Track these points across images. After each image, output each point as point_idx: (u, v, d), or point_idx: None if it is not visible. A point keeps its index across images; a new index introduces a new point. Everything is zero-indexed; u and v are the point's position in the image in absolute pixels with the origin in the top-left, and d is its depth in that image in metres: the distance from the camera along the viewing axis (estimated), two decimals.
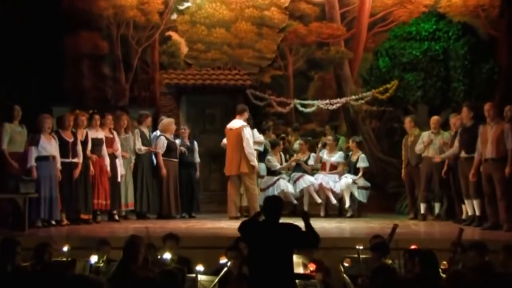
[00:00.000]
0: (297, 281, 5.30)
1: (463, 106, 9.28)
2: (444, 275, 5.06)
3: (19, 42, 11.62)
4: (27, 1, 11.71)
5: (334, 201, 10.64)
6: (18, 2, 11.66)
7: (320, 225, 8.73)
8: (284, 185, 10.57)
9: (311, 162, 10.86)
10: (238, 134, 9.77)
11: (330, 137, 11.14)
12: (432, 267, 4.96)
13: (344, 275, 5.72)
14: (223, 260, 5.57)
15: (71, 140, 9.04)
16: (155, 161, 10.28)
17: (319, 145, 11.07)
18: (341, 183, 10.57)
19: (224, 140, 10.29)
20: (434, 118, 10.06)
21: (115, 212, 9.73)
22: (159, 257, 5.78)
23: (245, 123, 9.89)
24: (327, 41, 13.15)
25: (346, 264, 5.85)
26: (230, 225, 8.68)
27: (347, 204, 10.50)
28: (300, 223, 5.39)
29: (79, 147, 9.09)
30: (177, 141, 10.49)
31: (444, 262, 5.52)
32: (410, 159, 10.15)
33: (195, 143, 10.82)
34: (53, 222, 8.76)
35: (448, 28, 11.74)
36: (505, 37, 12.02)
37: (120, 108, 11.94)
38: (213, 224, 9.26)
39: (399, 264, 5.69)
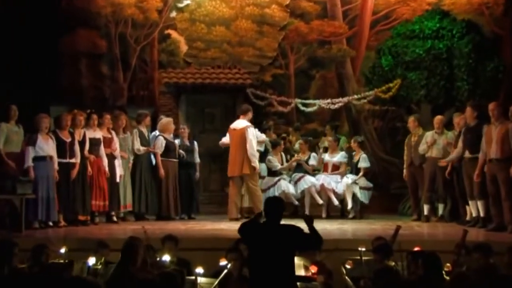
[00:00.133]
0: (298, 283, 5.30)
1: (467, 106, 9.28)
2: (447, 278, 5.06)
3: (16, 41, 11.62)
4: (24, 0, 11.71)
5: (336, 202, 10.63)
6: (15, 0, 11.66)
7: (322, 226, 8.72)
8: (285, 186, 10.56)
9: (311, 162, 10.85)
10: (242, 135, 9.76)
11: (330, 138, 11.14)
12: (435, 269, 4.96)
13: (346, 277, 5.71)
14: (223, 262, 5.57)
15: (68, 140, 9.04)
16: (154, 161, 10.28)
17: (320, 150, 11.06)
18: (342, 184, 10.57)
19: (223, 139, 10.28)
20: (438, 118, 10.05)
21: (113, 213, 9.73)
22: (158, 259, 5.78)
23: (249, 124, 9.89)
24: (329, 39, 13.15)
25: (348, 266, 5.85)
26: (230, 227, 8.67)
27: (349, 205, 10.49)
28: (301, 224, 5.39)
29: (77, 147, 9.09)
30: (177, 141, 10.49)
31: (448, 264, 5.53)
32: (414, 159, 10.14)
33: (195, 143, 10.82)
34: (51, 224, 8.76)
35: (452, 26, 11.74)
36: (509, 35, 12.01)
37: (118, 107, 11.94)
38: (213, 225, 9.25)
39: (402, 266, 5.69)
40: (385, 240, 6.23)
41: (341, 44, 13.17)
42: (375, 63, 12.31)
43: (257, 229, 5.41)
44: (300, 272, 5.67)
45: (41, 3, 11.92)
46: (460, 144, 9.16)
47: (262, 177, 10.58)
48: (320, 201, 10.62)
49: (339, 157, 10.83)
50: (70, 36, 12.71)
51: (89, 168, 9.30)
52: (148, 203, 10.13)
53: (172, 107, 12.92)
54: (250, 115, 10.03)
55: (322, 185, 10.61)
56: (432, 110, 11.41)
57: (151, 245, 6.07)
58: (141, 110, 10.82)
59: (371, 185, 10.76)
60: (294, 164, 10.81)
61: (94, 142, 9.41)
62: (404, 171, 10.42)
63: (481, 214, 8.80)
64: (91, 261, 5.59)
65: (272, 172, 10.66)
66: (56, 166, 8.79)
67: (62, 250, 6.01)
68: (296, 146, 11.33)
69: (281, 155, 10.88)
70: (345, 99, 12.52)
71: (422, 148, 9.97)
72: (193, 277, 5.15)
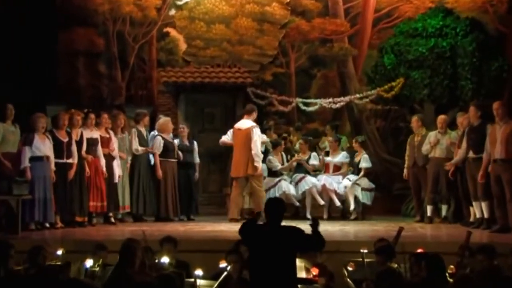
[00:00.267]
0: (299, 286, 5.30)
1: (470, 105, 9.28)
2: (451, 280, 5.06)
3: (12, 40, 11.63)
4: None
5: (337, 203, 10.62)
6: None
7: (323, 227, 8.65)
8: (286, 187, 10.56)
9: (312, 161, 10.85)
10: (247, 135, 9.76)
11: (330, 138, 11.14)
12: (439, 271, 4.96)
13: (348, 279, 5.72)
14: (222, 264, 5.58)
15: (65, 140, 9.03)
16: (152, 162, 10.28)
17: (322, 153, 11.05)
18: (343, 185, 10.57)
19: (223, 138, 10.28)
20: (441, 117, 10.05)
21: (111, 214, 9.73)
22: (156, 261, 5.78)
23: (254, 124, 9.89)
24: (330, 38, 13.15)
25: (350, 268, 5.85)
26: (230, 228, 8.67)
27: (352, 206, 10.49)
28: (302, 225, 5.39)
29: (74, 147, 9.09)
30: (176, 141, 10.49)
31: (452, 266, 5.53)
32: (417, 159, 10.13)
33: (195, 143, 10.81)
34: (47, 225, 8.75)
35: (456, 24, 11.73)
36: None
37: (117, 107, 11.95)
38: (212, 226, 9.26)
39: (404, 268, 5.69)
40: (388, 241, 6.23)
41: (343, 43, 13.17)
42: (377, 61, 12.30)
43: (257, 231, 5.41)
44: (301, 274, 5.67)
45: (38, 1, 11.91)
46: (464, 145, 9.16)
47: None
48: (322, 202, 10.62)
49: (341, 157, 10.83)
50: (67, 34, 12.72)
51: (87, 169, 9.30)
52: (146, 204, 10.13)
53: (171, 107, 12.93)
54: (255, 115, 10.04)
55: (323, 186, 10.61)
56: (436, 109, 11.40)
57: (149, 246, 6.06)
58: (139, 110, 10.81)
59: (373, 186, 10.77)
60: (295, 164, 10.81)
61: (92, 142, 9.41)
62: (405, 170, 10.42)
63: (485, 215, 8.79)
64: (89, 263, 5.59)
65: (272, 173, 10.66)
66: (53, 167, 8.79)
67: (59, 252, 6.01)
68: (297, 146, 11.33)
69: (282, 155, 10.87)
70: (347, 99, 12.51)
71: (425, 148, 9.96)
72: (192, 280, 5.15)
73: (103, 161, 9.50)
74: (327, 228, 8.94)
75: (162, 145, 10.18)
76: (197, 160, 10.76)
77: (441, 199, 10.01)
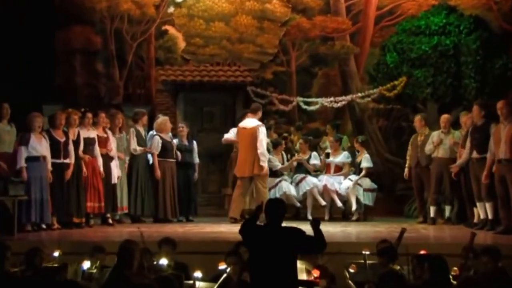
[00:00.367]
0: None
1: (474, 105, 9.27)
2: (455, 282, 5.06)
3: (8, 38, 11.62)
4: None
5: (339, 204, 10.62)
6: None
7: (325, 229, 8.65)
8: (286, 187, 10.56)
9: (312, 161, 10.85)
10: (252, 134, 9.76)
11: (331, 138, 11.15)
12: (442, 273, 4.96)
13: (350, 281, 5.71)
14: (222, 266, 5.57)
15: (62, 139, 9.03)
16: (151, 161, 10.28)
17: (323, 155, 11.05)
18: (344, 185, 10.57)
19: (226, 135, 10.28)
20: (444, 117, 10.05)
21: (108, 215, 9.74)
22: (155, 262, 5.78)
23: (260, 123, 9.90)
24: (332, 36, 13.15)
25: (351, 270, 5.84)
26: (229, 229, 8.67)
27: (354, 206, 10.49)
28: (303, 226, 5.39)
29: (71, 147, 9.09)
30: (175, 141, 10.49)
31: (455, 268, 5.52)
32: (420, 159, 10.13)
33: (194, 142, 10.80)
34: (44, 226, 8.76)
35: (459, 22, 11.73)
36: None
37: (114, 106, 11.95)
38: (211, 228, 9.26)
39: (407, 270, 5.69)
40: (390, 243, 6.23)
41: (345, 41, 13.17)
42: (379, 60, 12.30)
43: (258, 232, 5.41)
44: (302, 276, 5.66)
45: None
46: (468, 145, 9.15)
47: None
48: (323, 203, 10.62)
49: (342, 157, 10.83)
50: (64, 32, 12.72)
51: (84, 169, 9.30)
52: (144, 205, 10.13)
53: (170, 106, 12.93)
54: (260, 114, 10.05)
55: (324, 186, 10.61)
56: (439, 108, 11.40)
57: (147, 248, 6.06)
58: (138, 109, 10.80)
59: (375, 186, 10.77)
60: (295, 164, 10.80)
61: (89, 142, 9.40)
62: (406, 170, 10.41)
63: (489, 216, 8.79)
64: (86, 265, 5.59)
65: (272, 173, 10.64)
66: (49, 167, 8.79)
67: (56, 254, 6.01)
68: (298, 146, 11.33)
69: (282, 155, 10.87)
70: (349, 98, 12.51)
71: (428, 148, 9.96)
72: (191, 282, 5.15)
73: (100, 161, 9.50)
74: (329, 229, 8.94)
75: (160, 145, 10.17)
76: (196, 160, 10.75)
77: (445, 200, 10.01)
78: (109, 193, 9.69)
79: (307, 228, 5.42)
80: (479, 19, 11.89)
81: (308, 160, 10.85)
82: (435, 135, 9.95)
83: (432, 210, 9.99)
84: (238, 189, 9.89)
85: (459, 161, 9.36)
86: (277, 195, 10.17)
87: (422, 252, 5.99)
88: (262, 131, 9.78)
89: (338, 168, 10.83)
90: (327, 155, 10.98)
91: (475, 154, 8.99)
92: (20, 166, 8.51)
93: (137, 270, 5.26)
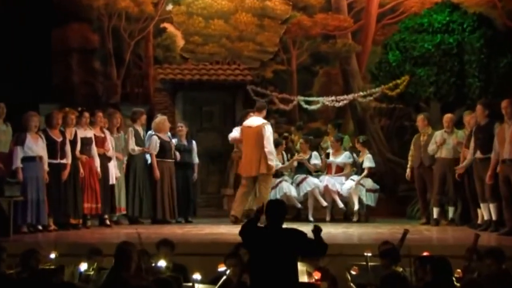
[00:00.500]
0: None
1: (477, 104, 9.27)
2: (458, 284, 5.06)
3: (4, 36, 11.61)
4: None
5: (341, 204, 10.63)
6: None
7: (326, 230, 8.68)
8: (287, 188, 10.56)
9: (313, 161, 10.85)
10: (258, 132, 9.76)
11: (332, 138, 11.15)
12: (445, 275, 4.96)
13: (351, 284, 5.72)
14: (221, 268, 5.57)
15: (59, 139, 9.03)
16: (149, 162, 10.28)
17: (323, 156, 11.05)
18: (346, 186, 10.57)
19: (233, 134, 10.29)
20: (448, 116, 10.05)
21: (106, 216, 9.74)
22: (153, 264, 5.78)
23: (265, 121, 9.91)
24: (333, 34, 13.15)
25: (353, 272, 5.84)
26: (229, 231, 8.68)
27: (356, 206, 10.49)
28: (304, 227, 5.39)
29: (68, 147, 9.09)
30: (174, 141, 10.49)
31: (458, 270, 5.52)
32: (424, 159, 10.13)
33: (194, 142, 10.80)
34: (40, 227, 8.76)
35: (463, 20, 11.73)
36: None
37: (112, 105, 11.95)
38: (211, 229, 9.26)
39: (410, 272, 5.69)
40: (393, 244, 6.23)
41: (346, 39, 13.17)
42: (381, 58, 12.30)
43: (258, 233, 5.41)
44: (303, 278, 5.67)
45: None
46: (472, 145, 9.14)
47: None
48: (324, 204, 10.62)
49: (343, 157, 10.83)
50: (61, 30, 12.71)
51: (81, 169, 9.30)
52: (141, 206, 10.13)
53: (168, 105, 12.93)
54: (265, 112, 10.08)
55: (326, 187, 10.61)
56: (442, 108, 11.40)
57: (145, 250, 6.06)
58: (136, 108, 10.81)
59: (377, 186, 10.78)
60: (295, 164, 10.80)
61: (86, 142, 9.41)
62: (407, 171, 10.42)
63: (493, 218, 8.79)
64: (83, 266, 5.59)
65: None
66: (46, 167, 8.79)
67: (52, 256, 6.00)
68: (298, 146, 11.33)
69: (282, 155, 10.87)
70: (350, 97, 12.51)
71: (431, 148, 9.96)
72: (190, 284, 5.15)
73: (97, 161, 9.50)
74: (330, 230, 8.95)
75: (158, 145, 10.18)
76: (195, 160, 10.75)
77: (448, 201, 10.01)
78: (107, 194, 9.70)
79: (308, 229, 5.42)
80: (483, 16, 11.89)
81: (308, 160, 10.85)
82: (438, 135, 9.95)
83: (435, 211, 10.00)
84: (242, 188, 9.90)
85: (464, 162, 9.34)
86: (278, 196, 10.17)
87: (425, 253, 5.99)
88: (268, 129, 9.80)
89: (340, 169, 10.83)
90: (327, 155, 10.98)
91: (478, 154, 8.99)
92: (15, 166, 8.52)
93: (134, 272, 5.26)
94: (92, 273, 5.66)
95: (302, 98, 12.66)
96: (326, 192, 10.64)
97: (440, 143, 9.85)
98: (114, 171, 9.81)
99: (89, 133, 9.52)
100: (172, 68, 12.97)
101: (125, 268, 5.16)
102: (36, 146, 8.70)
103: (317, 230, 5.41)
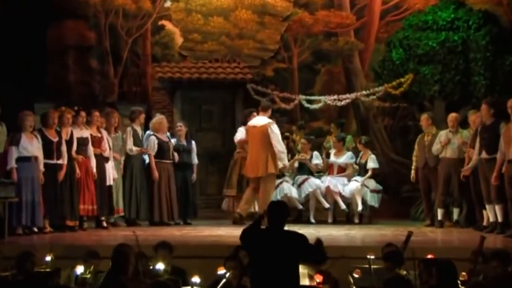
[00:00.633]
0: None
1: (482, 103, 9.26)
2: (463, 287, 5.05)
3: None
4: None
5: (343, 206, 10.62)
6: None
7: (328, 232, 8.74)
8: (288, 189, 10.55)
9: (315, 161, 10.85)
10: (263, 132, 9.78)
11: (333, 138, 11.15)
12: (450, 278, 4.95)
13: (354, 287, 5.72)
14: (221, 271, 5.57)
15: (55, 139, 9.03)
16: (147, 162, 10.28)
17: (323, 156, 11.05)
18: (350, 187, 10.56)
19: (238, 136, 10.29)
20: (452, 116, 10.05)
21: (103, 218, 9.74)
22: (151, 267, 5.78)
23: (271, 120, 9.92)
24: (335, 31, 13.15)
25: (356, 276, 5.84)
26: (228, 233, 8.68)
27: (360, 207, 10.48)
28: (305, 229, 5.39)
29: (64, 147, 9.09)
30: (173, 141, 10.49)
31: (464, 273, 5.52)
32: (428, 160, 10.13)
33: (193, 142, 10.80)
34: (35, 229, 8.76)
35: (468, 17, 11.73)
36: None
37: (109, 104, 11.95)
38: (210, 231, 9.26)
39: (414, 275, 5.68)
40: (396, 247, 6.22)
41: (349, 36, 13.17)
42: (385, 56, 12.30)
43: (259, 235, 5.41)
44: (304, 281, 5.67)
45: None
46: (477, 145, 9.14)
47: None
48: (326, 205, 10.62)
49: (345, 158, 10.83)
50: (56, 27, 12.70)
51: (77, 170, 9.30)
52: (138, 208, 10.13)
53: (167, 104, 12.93)
54: (270, 111, 10.11)
55: (327, 188, 10.61)
56: (447, 107, 11.40)
57: (143, 252, 6.06)
58: (135, 107, 10.80)
59: (380, 187, 10.79)
60: (296, 164, 10.79)
61: (82, 142, 9.40)
62: (412, 172, 10.42)
63: (499, 219, 8.79)
64: (79, 269, 5.59)
65: None
66: (41, 168, 8.79)
67: (48, 258, 6.00)
68: (299, 146, 11.32)
69: None
70: (353, 96, 12.51)
71: (435, 148, 9.96)
72: (189, 287, 5.15)
73: (93, 162, 9.50)
74: (332, 232, 8.95)
75: (156, 145, 10.17)
76: (195, 160, 10.74)
77: (453, 202, 10.01)
78: (104, 195, 9.69)
79: (309, 231, 5.43)
80: (488, 13, 11.87)
81: (310, 160, 10.85)
82: (443, 134, 9.94)
83: (439, 213, 10.00)
84: (251, 189, 9.89)
85: (470, 163, 9.33)
86: (278, 197, 10.17)
87: (429, 256, 5.99)
88: (274, 128, 9.83)
89: (342, 169, 10.83)
90: (328, 155, 10.98)
91: (484, 155, 8.99)
92: (10, 166, 8.52)
93: (132, 275, 5.26)
94: (88, 276, 5.66)
95: (303, 97, 12.65)
96: (328, 193, 10.64)
97: (444, 143, 9.85)
98: (112, 172, 9.81)
99: (85, 133, 9.52)
100: (171, 66, 12.96)
101: (122, 271, 5.16)
102: (31, 146, 8.70)
103: (319, 244, 5.41)
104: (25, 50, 11.80)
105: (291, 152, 11.13)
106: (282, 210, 5.41)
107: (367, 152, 10.82)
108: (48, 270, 5.74)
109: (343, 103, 12.49)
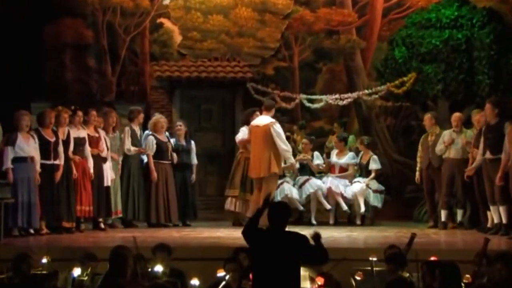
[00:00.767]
0: None
1: (487, 103, 9.26)
2: None
3: None
4: None
5: (345, 207, 10.62)
6: None
7: (329, 234, 8.73)
8: (288, 190, 10.55)
9: (316, 161, 10.85)
10: (266, 131, 9.77)
11: (335, 137, 11.15)
12: (454, 280, 4.96)
13: None
14: (220, 273, 5.58)
15: (52, 139, 9.02)
16: (145, 162, 10.27)
17: (324, 155, 11.04)
18: (353, 188, 10.56)
19: (240, 136, 10.29)
20: (456, 115, 10.04)
21: (100, 219, 9.73)
22: (149, 269, 5.78)
23: (273, 120, 9.92)
24: (337, 29, 13.14)
25: (358, 278, 5.85)
26: (228, 234, 8.68)
27: (362, 208, 10.47)
28: (306, 231, 5.39)
29: (61, 148, 9.09)
30: (172, 141, 10.49)
31: (468, 276, 5.52)
32: (432, 160, 10.12)
33: (192, 142, 10.80)
34: (32, 231, 8.75)
35: (472, 15, 11.72)
36: None
37: (107, 103, 11.94)
38: (210, 232, 9.26)
39: (417, 277, 5.69)
40: (399, 249, 6.23)
41: (351, 34, 13.16)
42: (387, 55, 12.29)
43: (260, 236, 5.41)
44: (305, 284, 5.67)
45: None
46: (481, 145, 9.14)
47: None
48: (328, 206, 10.61)
49: (347, 158, 10.82)
50: (53, 25, 12.69)
51: (74, 171, 9.29)
52: (135, 209, 10.12)
53: (165, 103, 12.92)
54: (273, 111, 10.09)
55: (329, 189, 10.60)
56: (450, 106, 11.39)
57: (141, 254, 6.06)
58: (133, 107, 10.80)
59: (383, 188, 10.79)
60: (297, 165, 10.76)
61: (79, 142, 9.39)
62: (417, 173, 10.43)
63: (504, 221, 8.79)
64: (76, 272, 5.59)
65: None
66: (38, 168, 8.78)
67: (44, 260, 6.00)
68: (300, 146, 11.32)
69: None
70: (355, 95, 12.50)
71: (439, 148, 9.96)
72: None
73: (91, 162, 9.49)
74: (333, 234, 8.96)
75: (154, 145, 10.17)
76: (194, 161, 10.74)
77: (456, 203, 10.01)
78: (102, 196, 9.69)
79: (309, 232, 5.42)
80: (492, 11, 11.86)
81: (311, 160, 10.85)
82: (446, 134, 9.94)
83: (443, 214, 9.99)
84: (257, 191, 9.87)
85: (474, 163, 9.33)
86: (279, 198, 10.17)
87: (432, 258, 6.00)
88: (277, 127, 9.81)
89: (343, 170, 10.83)
90: (328, 155, 10.97)
91: (488, 155, 8.99)
92: (6, 167, 8.52)
93: (130, 277, 5.26)
94: (86, 278, 5.67)
95: (304, 96, 12.64)
96: (330, 194, 10.63)
97: (448, 143, 9.84)
98: (109, 173, 9.80)
99: (83, 133, 9.51)
100: (169, 65, 12.95)
101: (120, 273, 5.16)
102: (28, 146, 8.70)
103: (317, 237, 5.40)
104: (22, 48, 11.80)
105: (292, 152, 11.13)
106: (283, 211, 5.41)
107: (368, 152, 10.81)
108: (44, 272, 5.74)
109: (344, 102, 12.48)
